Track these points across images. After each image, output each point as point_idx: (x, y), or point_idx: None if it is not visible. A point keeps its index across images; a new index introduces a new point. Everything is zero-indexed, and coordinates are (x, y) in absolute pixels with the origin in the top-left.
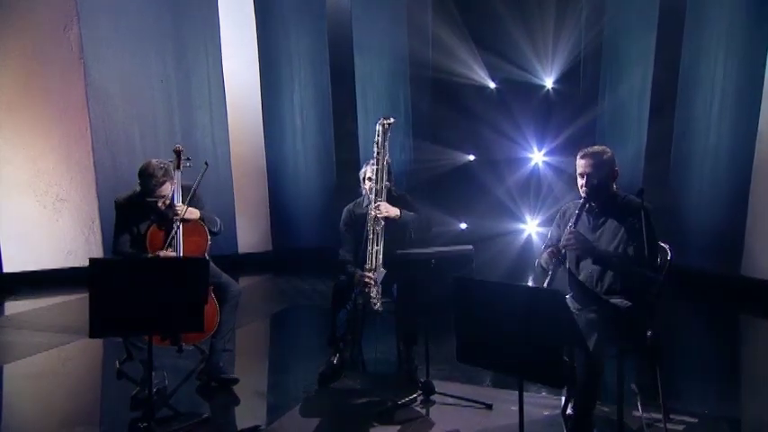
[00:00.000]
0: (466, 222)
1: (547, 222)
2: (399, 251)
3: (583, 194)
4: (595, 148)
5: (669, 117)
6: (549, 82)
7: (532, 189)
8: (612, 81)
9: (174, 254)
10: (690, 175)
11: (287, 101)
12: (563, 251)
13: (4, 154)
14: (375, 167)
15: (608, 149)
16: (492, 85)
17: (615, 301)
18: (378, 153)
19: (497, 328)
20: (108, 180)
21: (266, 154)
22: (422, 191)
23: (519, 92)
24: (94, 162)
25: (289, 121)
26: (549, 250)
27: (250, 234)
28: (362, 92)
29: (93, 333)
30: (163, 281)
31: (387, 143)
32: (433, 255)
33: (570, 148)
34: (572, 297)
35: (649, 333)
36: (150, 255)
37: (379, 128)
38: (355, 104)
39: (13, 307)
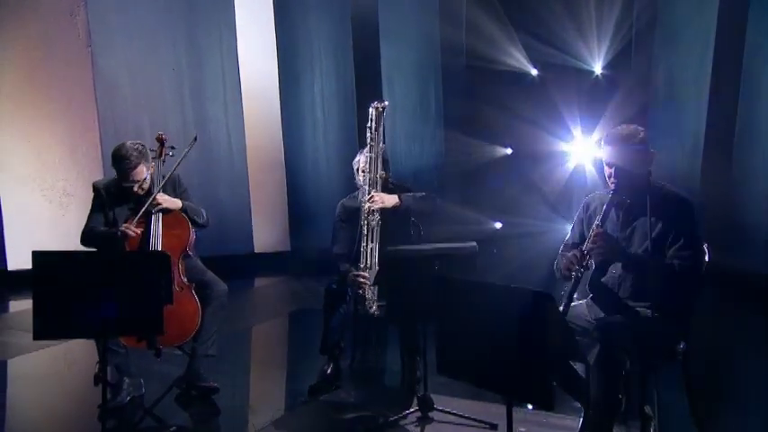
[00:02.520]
0: (501, 222)
1: None
2: (390, 247)
3: (611, 187)
4: (623, 130)
5: (732, 101)
6: (597, 67)
7: (577, 185)
8: (668, 60)
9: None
10: (754, 167)
11: (307, 91)
12: (588, 256)
13: (8, 147)
14: (368, 156)
15: (639, 130)
16: (533, 71)
17: (640, 309)
18: (371, 140)
19: (479, 336)
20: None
21: (284, 148)
22: (453, 186)
23: (564, 79)
24: (102, 155)
25: (309, 112)
26: (571, 254)
27: (267, 233)
28: (389, 81)
29: (37, 334)
30: (117, 277)
31: (381, 129)
32: (430, 251)
33: None
34: (592, 300)
35: (681, 346)
36: (121, 229)
37: (372, 112)
38: (381, 94)
39: (17, 306)
